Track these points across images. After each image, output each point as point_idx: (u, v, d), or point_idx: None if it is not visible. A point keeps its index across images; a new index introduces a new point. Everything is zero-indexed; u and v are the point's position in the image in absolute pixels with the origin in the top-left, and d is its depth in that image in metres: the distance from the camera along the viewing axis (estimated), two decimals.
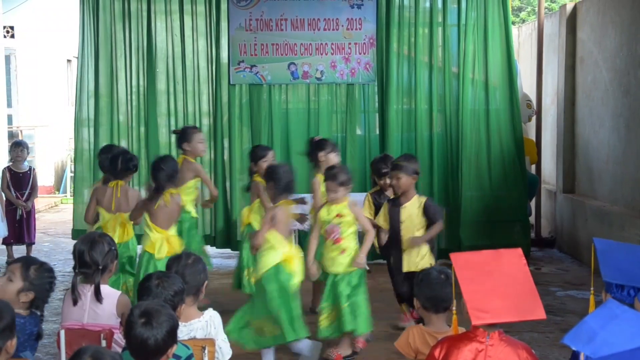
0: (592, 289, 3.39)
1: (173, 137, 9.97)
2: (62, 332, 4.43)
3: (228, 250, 10.17)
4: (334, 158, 7.11)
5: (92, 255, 4.43)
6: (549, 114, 11.46)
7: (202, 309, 4.36)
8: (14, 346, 3.37)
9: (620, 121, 9.12)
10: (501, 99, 9.93)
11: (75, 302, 4.42)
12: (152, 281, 3.96)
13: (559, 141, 10.82)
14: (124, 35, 9.94)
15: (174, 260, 4.37)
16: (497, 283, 3.28)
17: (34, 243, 10.27)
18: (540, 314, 3.27)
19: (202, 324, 4.26)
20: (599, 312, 2.65)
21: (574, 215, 10.19)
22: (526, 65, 12.18)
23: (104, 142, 9.90)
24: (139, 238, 6.90)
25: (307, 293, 6.93)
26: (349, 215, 6.22)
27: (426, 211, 6.51)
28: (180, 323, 4.05)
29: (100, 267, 4.44)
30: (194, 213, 7.70)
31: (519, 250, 3.45)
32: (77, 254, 4.48)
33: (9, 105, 15.28)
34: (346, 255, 6.24)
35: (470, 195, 9.80)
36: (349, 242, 6.26)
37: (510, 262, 3.37)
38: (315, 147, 7.29)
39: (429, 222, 6.56)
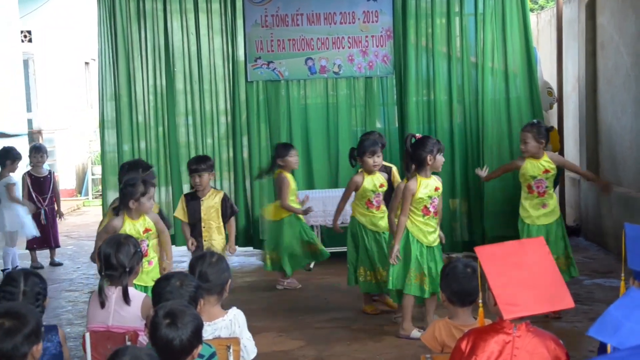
0: (622, 275, 3.32)
1: (192, 136, 10.01)
2: (87, 335, 4.44)
3: (250, 249, 10.15)
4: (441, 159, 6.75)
5: (119, 258, 4.46)
6: (570, 101, 11.34)
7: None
8: (40, 351, 3.36)
9: None
10: (521, 87, 9.85)
11: (102, 305, 4.44)
12: (172, 282, 3.94)
13: (582, 128, 10.70)
14: (139, 35, 9.92)
15: (197, 260, 4.35)
16: (525, 274, 3.23)
17: (58, 246, 10.31)
18: (568, 302, 3.22)
19: (226, 323, 4.23)
20: (622, 302, 2.60)
21: (599, 202, 10.08)
22: (546, 53, 12.06)
23: (125, 143, 9.92)
24: None
25: None
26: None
27: (222, 206, 7.10)
28: (204, 322, 4.04)
29: (127, 269, 4.46)
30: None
31: (541, 239, 3.41)
32: (103, 257, 4.51)
33: (29, 109, 15.34)
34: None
35: (492, 186, 9.69)
36: None
37: (534, 251, 3.33)
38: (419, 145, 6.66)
39: (224, 217, 7.16)
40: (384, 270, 7.11)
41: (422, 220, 6.57)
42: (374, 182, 7.26)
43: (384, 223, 7.19)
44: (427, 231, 6.59)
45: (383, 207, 7.31)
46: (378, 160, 7.24)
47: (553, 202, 7.35)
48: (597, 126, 10.39)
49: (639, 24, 9.02)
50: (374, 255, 7.26)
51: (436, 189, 6.62)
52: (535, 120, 7.88)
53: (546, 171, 7.20)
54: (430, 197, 6.56)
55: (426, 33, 9.88)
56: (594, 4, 10.31)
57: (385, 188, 7.33)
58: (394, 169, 7.89)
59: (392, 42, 9.87)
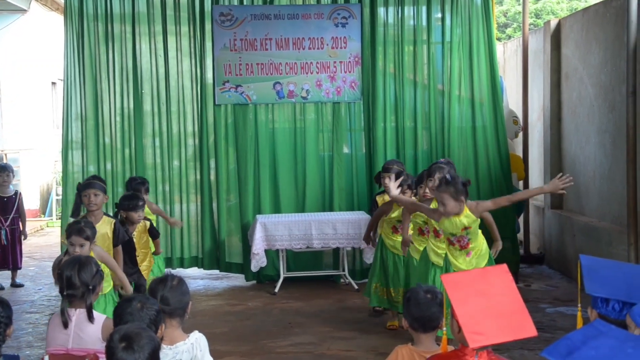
0: (579, 305, 3.35)
1: (159, 158, 9.97)
2: (47, 358, 4.37)
3: (216, 272, 10.10)
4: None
5: (82, 277, 4.40)
6: (536, 130, 11.47)
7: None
8: None
9: (606, 137, 9.13)
10: (487, 115, 9.96)
11: (65, 325, 4.37)
12: (133, 304, 3.90)
13: (546, 157, 10.82)
14: (107, 57, 9.88)
15: (158, 284, 4.29)
16: (489, 303, 3.24)
17: (19, 268, 10.14)
18: (531, 331, 3.22)
19: (187, 347, 4.19)
20: (584, 330, 2.62)
21: (562, 231, 10.18)
22: (512, 82, 12.21)
23: (91, 165, 9.84)
24: None
25: None
26: None
27: (113, 233, 6.52)
28: (165, 346, 4.00)
29: (90, 287, 4.41)
30: None
31: (505, 267, 3.41)
32: (65, 277, 4.43)
33: None
34: None
35: None
36: None
37: (498, 279, 3.33)
38: None
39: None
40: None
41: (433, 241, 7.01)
42: None
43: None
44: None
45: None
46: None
47: None
48: (562, 155, 10.52)
49: (602, 56, 9.17)
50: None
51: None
52: None
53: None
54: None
55: (394, 60, 9.97)
56: (559, 35, 10.47)
57: None
58: None
59: (360, 68, 9.94)
